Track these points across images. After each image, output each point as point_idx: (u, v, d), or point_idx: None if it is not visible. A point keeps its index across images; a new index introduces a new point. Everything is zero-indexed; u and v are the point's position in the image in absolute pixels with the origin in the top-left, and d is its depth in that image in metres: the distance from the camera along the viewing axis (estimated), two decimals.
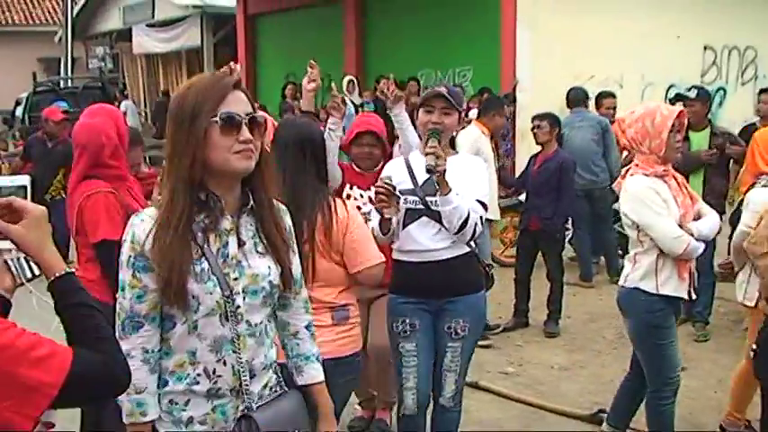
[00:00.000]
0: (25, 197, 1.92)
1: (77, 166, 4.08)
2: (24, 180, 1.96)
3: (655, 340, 4.21)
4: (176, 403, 2.33)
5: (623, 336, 6.63)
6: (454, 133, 4.17)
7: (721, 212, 6.66)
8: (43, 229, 1.86)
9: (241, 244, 2.32)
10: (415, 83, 13.10)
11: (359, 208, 4.39)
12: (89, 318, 1.86)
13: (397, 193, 3.85)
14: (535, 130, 7.17)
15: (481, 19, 13.46)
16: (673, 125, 3.99)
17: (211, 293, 2.25)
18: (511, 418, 5.31)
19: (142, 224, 2.26)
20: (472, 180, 3.97)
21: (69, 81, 18.46)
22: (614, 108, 8.84)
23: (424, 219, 3.92)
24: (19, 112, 16.35)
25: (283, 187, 3.36)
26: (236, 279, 2.29)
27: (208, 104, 2.21)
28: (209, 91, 2.24)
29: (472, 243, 4.03)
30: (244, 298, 2.30)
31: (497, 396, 5.66)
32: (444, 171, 3.73)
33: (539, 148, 7.27)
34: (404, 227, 3.96)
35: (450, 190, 3.77)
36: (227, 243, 2.30)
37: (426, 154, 3.75)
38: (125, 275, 2.28)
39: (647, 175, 4.04)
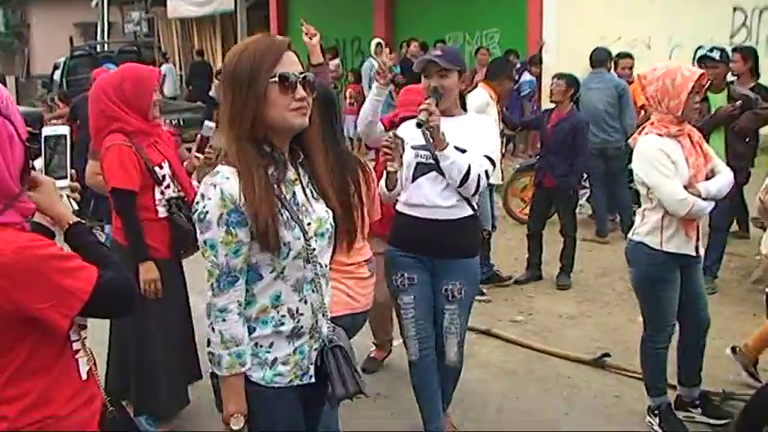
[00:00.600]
0: (65, 144, 2.41)
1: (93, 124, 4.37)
2: (65, 129, 2.41)
3: (655, 292, 4.39)
4: (261, 346, 2.53)
5: (632, 289, 6.91)
6: (462, 91, 4.25)
7: (746, 174, 6.84)
8: (52, 194, 2.30)
9: (305, 192, 2.57)
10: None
11: None
12: (98, 248, 2.35)
13: (407, 146, 4.04)
14: (552, 87, 7.31)
15: None
16: (693, 87, 4.06)
17: (299, 239, 2.47)
18: (516, 362, 5.58)
19: (228, 182, 2.38)
20: (481, 137, 4.08)
21: (106, 45, 18.78)
22: (631, 68, 8.96)
23: (433, 174, 4.04)
24: (57, 76, 16.72)
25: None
26: (309, 224, 2.52)
27: (265, 65, 2.38)
28: (265, 53, 2.40)
29: (476, 205, 4.15)
30: (316, 241, 2.54)
31: (506, 342, 5.93)
32: (437, 127, 3.87)
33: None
34: (413, 180, 4.10)
35: (447, 145, 3.92)
36: (295, 192, 2.52)
37: (420, 110, 3.89)
38: (215, 234, 2.39)
39: (660, 135, 4.14)
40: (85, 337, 2.34)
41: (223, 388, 2.51)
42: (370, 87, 12.44)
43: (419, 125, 3.86)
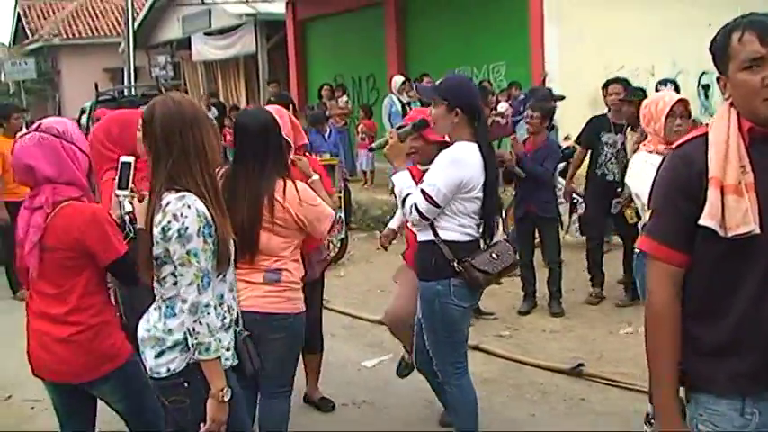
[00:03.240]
0: (130, 168, 3.50)
1: None
2: (131, 159, 3.51)
3: None
4: None
5: (619, 305, 7.28)
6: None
7: None
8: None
9: None
10: None
11: None
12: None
13: None
14: (527, 120, 7.63)
15: (511, 15, 14.08)
16: (672, 111, 4.64)
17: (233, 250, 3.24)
18: (494, 371, 5.98)
19: (197, 202, 3.03)
20: (431, 170, 4.21)
21: (132, 90, 19.44)
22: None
23: None
24: (83, 120, 17.38)
25: (244, 170, 4.02)
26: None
27: None
28: None
29: (440, 233, 4.17)
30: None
31: (490, 355, 6.33)
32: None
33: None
34: None
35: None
36: None
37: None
38: (197, 243, 2.99)
39: (649, 152, 4.65)
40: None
41: (210, 370, 3.06)
42: (391, 123, 12.96)
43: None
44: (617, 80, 8.01)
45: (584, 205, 9.03)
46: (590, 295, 7.79)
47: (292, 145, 4.92)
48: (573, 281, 7.88)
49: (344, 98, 16.03)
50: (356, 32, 17.91)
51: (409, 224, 4.44)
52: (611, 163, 7.55)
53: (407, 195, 4.16)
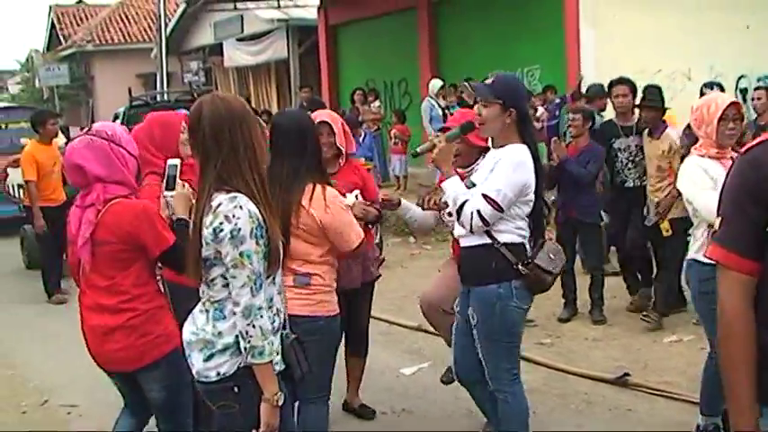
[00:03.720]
0: (176, 169, 3.85)
1: None
2: (176, 161, 3.89)
3: (710, 307, 4.55)
4: None
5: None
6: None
7: None
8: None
9: None
10: None
11: None
12: (182, 232, 3.60)
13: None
14: (570, 123, 7.49)
15: (546, 19, 13.93)
16: (724, 114, 4.46)
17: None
18: (537, 380, 5.83)
19: (249, 203, 2.97)
20: (493, 173, 4.04)
21: (164, 95, 19.52)
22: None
23: None
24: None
25: (278, 172, 3.93)
26: None
27: None
28: None
29: (496, 236, 4.06)
30: None
31: (532, 363, 6.18)
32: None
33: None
34: None
35: (445, 179, 4.13)
36: None
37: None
38: (250, 245, 2.93)
39: (701, 155, 4.53)
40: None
41: (263, 374, 2.99)
42: (432, 127, 12.88)
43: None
44: (621, 80, 7.61)
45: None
46: (630, 303, 7.62)
47: (344, 152, 4.85)
48: (613, 288, 7.70)
49: (377, 103, 15.97)
50: (388, 37, 17.84)
51: (457, 231, 4.30)
52: (629, 169, 7.28)
53: (465, 202, 4.02)
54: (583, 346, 6.63)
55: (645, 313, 7.03)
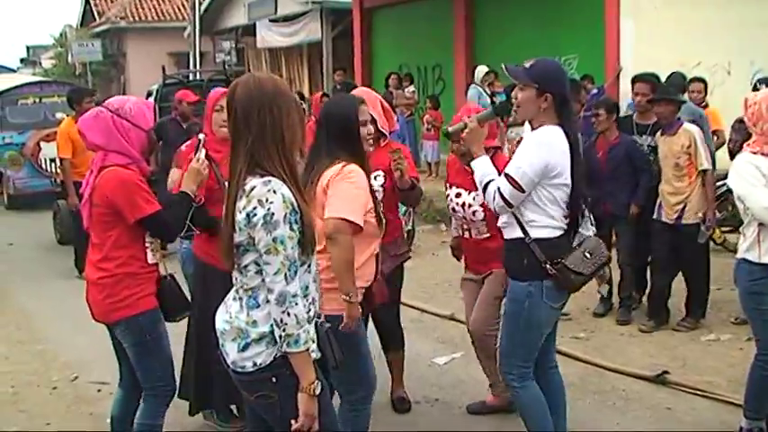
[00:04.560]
0: (198, 147, 4.28)
1: None
2: (202, 135, 4.42)
3: (758, 307, 4.42)
4: None
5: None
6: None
7: None
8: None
9: None
10: None
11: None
12: (174, 199, 4.18)
13: None
14: (593, 119, 7.14)
15: (586, 8, 13.72)
16: None
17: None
18: (573, 375, 5.70)
19: (284, 187, 2.89)
20: (516, 153, 4.06)
21: (197, 74, 19.50)
22: (701, 93, 8.67)
23: None
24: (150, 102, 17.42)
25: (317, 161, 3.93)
26: None
27: None
28: None
29: (529, 230, 4.00)
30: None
31: (566, 357, 6.06)
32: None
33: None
34: None
35: (476, 158, 4.09)
36: None
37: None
38: (284, 230, 2.84)
39: (754, 152, 4.35)
40: (155, 245, 4.09)
41: (299, 363, 2.90)
42: None
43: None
44: (642, 78, 7.36)
45: None
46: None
47: (386, 130, 4.75)
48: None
49: (411, 88, 15.84)
50: (423, 21, 17.65)
51: (500, 221, 4.20)
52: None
53: (489, 181, 4.00)
54: (619, 341, 6.52)
55: (680, 322, 6.77)
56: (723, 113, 9.08)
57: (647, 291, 7.20)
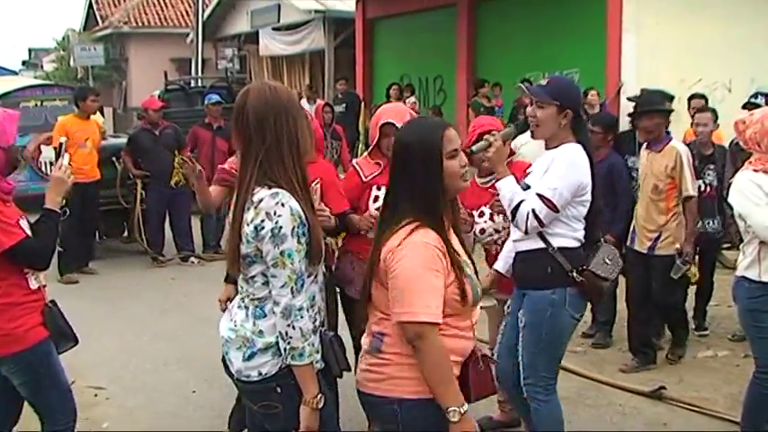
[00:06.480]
0: (60, 152, 4.08)
1: None
2: (63, 139, 4.10)
3: (757, 325, 4.41)
4: None
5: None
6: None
7: None
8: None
9: None
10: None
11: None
12: (43, 226, 3.82)
13: None
14: (590, 135, 6.89)
15: (588, 22, 13.78)
16: None
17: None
18: (570, 389, 5.70)
19: (291, 200, 2.87)
20: (548, 173, 4.01)
21: (199, 81, 19.53)
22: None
23: None
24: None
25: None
26: None
27: None
28: None
29: (551, 240, 4.01)
30: None
31: (563, 371, 6.05)
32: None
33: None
34: None
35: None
36: None
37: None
38: (291, 244, 2.83)
39: (756, 170, 4.32)
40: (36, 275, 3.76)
41: (303, 375, 2.89)
42: None
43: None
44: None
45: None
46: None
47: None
48: None
49: (412, 98, 15.87)
50: (425, 33, 17.72)
51: (513, 235, 4.22)
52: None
53: (521, 202, 3.99)
54: (616, 356, 6.51)
55: (668, 356, 6.39)
56: (723, 131, 9.10)
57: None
